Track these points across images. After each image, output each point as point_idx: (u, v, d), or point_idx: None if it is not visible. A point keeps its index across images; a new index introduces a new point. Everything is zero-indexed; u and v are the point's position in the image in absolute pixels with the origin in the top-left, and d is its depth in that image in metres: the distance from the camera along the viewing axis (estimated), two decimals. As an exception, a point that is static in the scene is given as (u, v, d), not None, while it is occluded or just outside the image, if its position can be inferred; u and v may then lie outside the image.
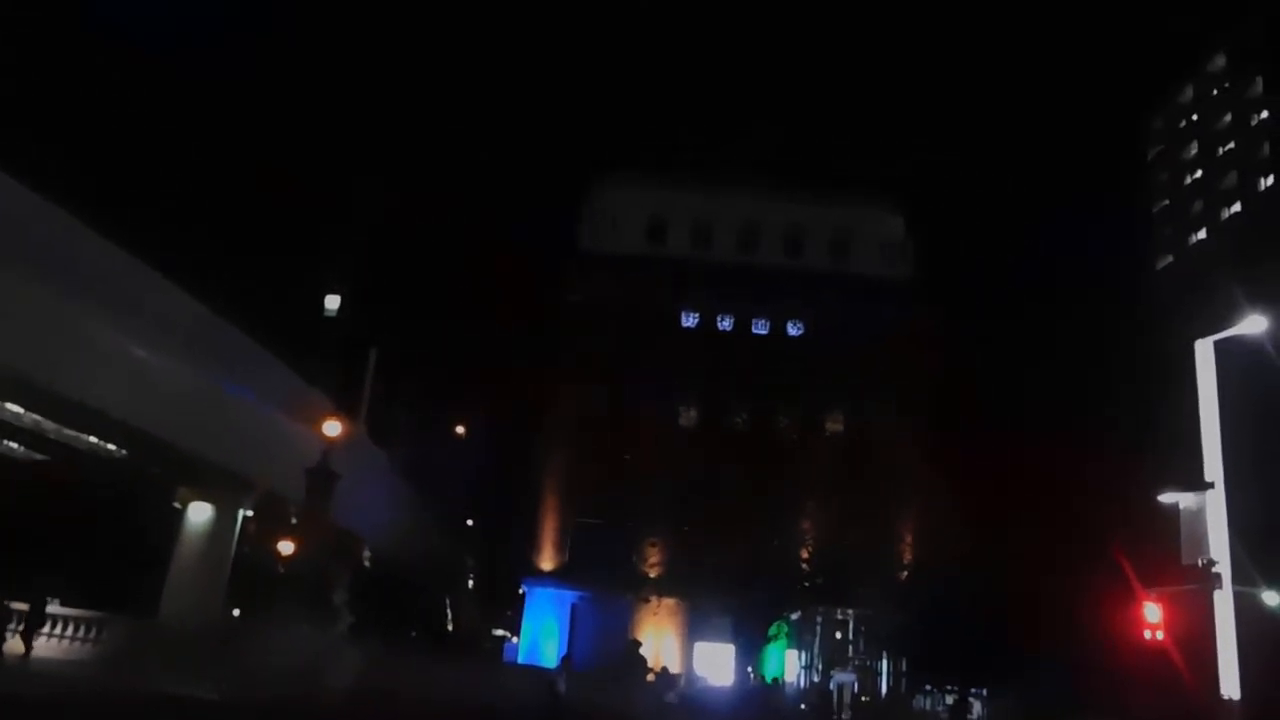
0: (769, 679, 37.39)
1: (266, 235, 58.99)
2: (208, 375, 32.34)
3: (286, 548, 34.61)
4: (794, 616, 47.90)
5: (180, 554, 36.61)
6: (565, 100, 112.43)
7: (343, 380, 45.69)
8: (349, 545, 42.84)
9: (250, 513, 38.47)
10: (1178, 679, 28.58)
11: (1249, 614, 24.25)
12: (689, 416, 56.22)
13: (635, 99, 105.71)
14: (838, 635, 51.91)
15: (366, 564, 46.93)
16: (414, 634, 43.28)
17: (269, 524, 38.41)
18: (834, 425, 56.35)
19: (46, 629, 28.05)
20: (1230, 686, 22.68)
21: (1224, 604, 23.46)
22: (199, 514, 37.03)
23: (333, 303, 60.01)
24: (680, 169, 59.40)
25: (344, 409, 36.03)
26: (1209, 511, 24.53)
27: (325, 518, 31.30)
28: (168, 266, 30.87)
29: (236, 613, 38.11)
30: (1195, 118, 68.26)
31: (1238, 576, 24.00)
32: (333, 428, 30.56)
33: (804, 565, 49.05)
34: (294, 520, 35.74)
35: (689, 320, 57.94)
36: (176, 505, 37.53)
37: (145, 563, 37.01)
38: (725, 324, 58.21)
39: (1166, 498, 26.65)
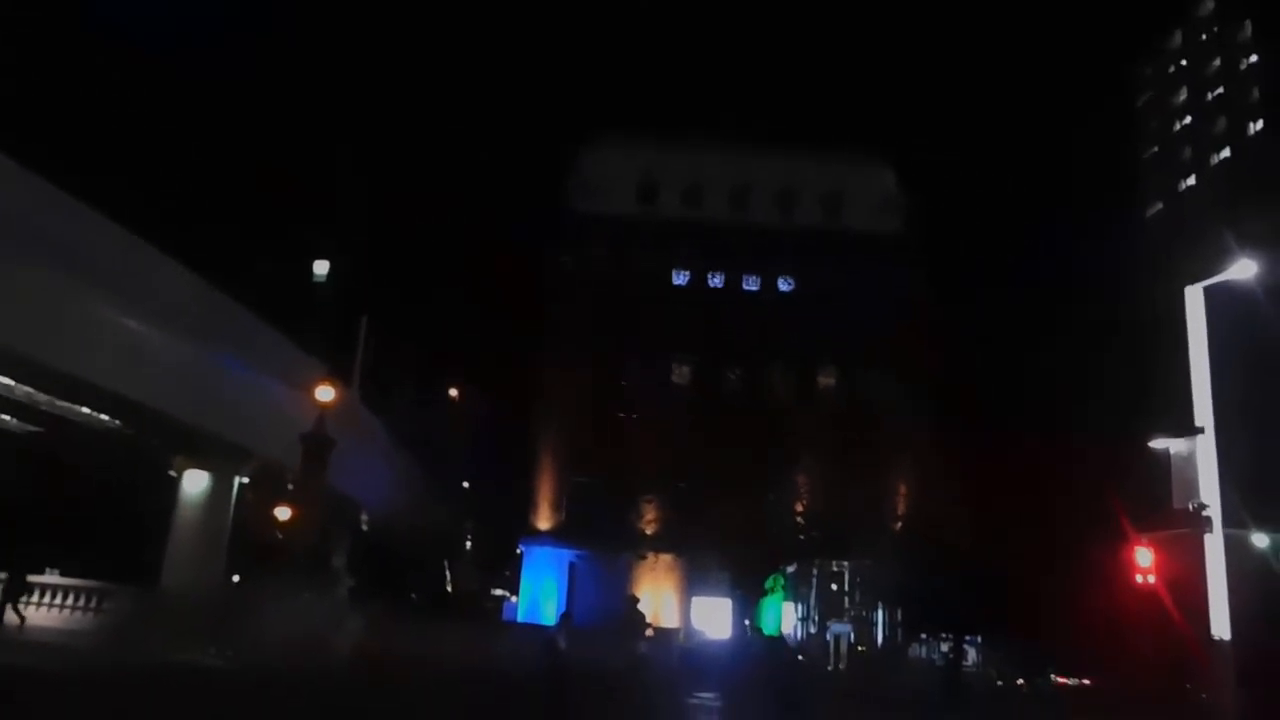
0: (766, 633, 37.74)
1: (258, 204, 58.63)
2: (200, 344, 32.34)
3: (283, 514, 34.75)
4: (790, 570, 48.40)
5: (178, 523, 36.81)
6: (554, 63, 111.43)
7: (336, 347, 45.65)
8: (346, 510, 43.04)
9: (246, 480, 38.60)
10: (1169, 621, 29.00)
11: (1238, 556, 24.53)
12: (683, 374, 56.37)
13: (624, 60, 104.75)
14: (834, 587, 52.53)
15: (364, 529, 47.19)
16: (413, 596, 43.59)
17: (266, 491, 38.52)
18: (828, 380, 56.61)
19: (45, 599, 28.26)
20: (1220, 626, 22.95)
21: (1214, 546, 23.67)
22: (195, 483, 37.18)
23: (325, 270, 59.79)
24: (670, 129, 59.04)
25: (338, 375, 36.00)
26: (1199, 456, 24.74)
27: (321, 483, 31.40)
28: (159, 238, 30.77)
29: (236, 579, 38.34)
30: (1184, 63, 67.85)
31: (1227, 519, 24.23)
32: (326, 393, 30.58)
33: (800, 519, 49.52)
34: (290, 487, 35.87)
35: (681, 279, 57.88)
36: (172, 474, 37.66)
37: (143, 532, 37.21)
38: (717, 281, 58.14)
39: (1158, 444, 26.87)
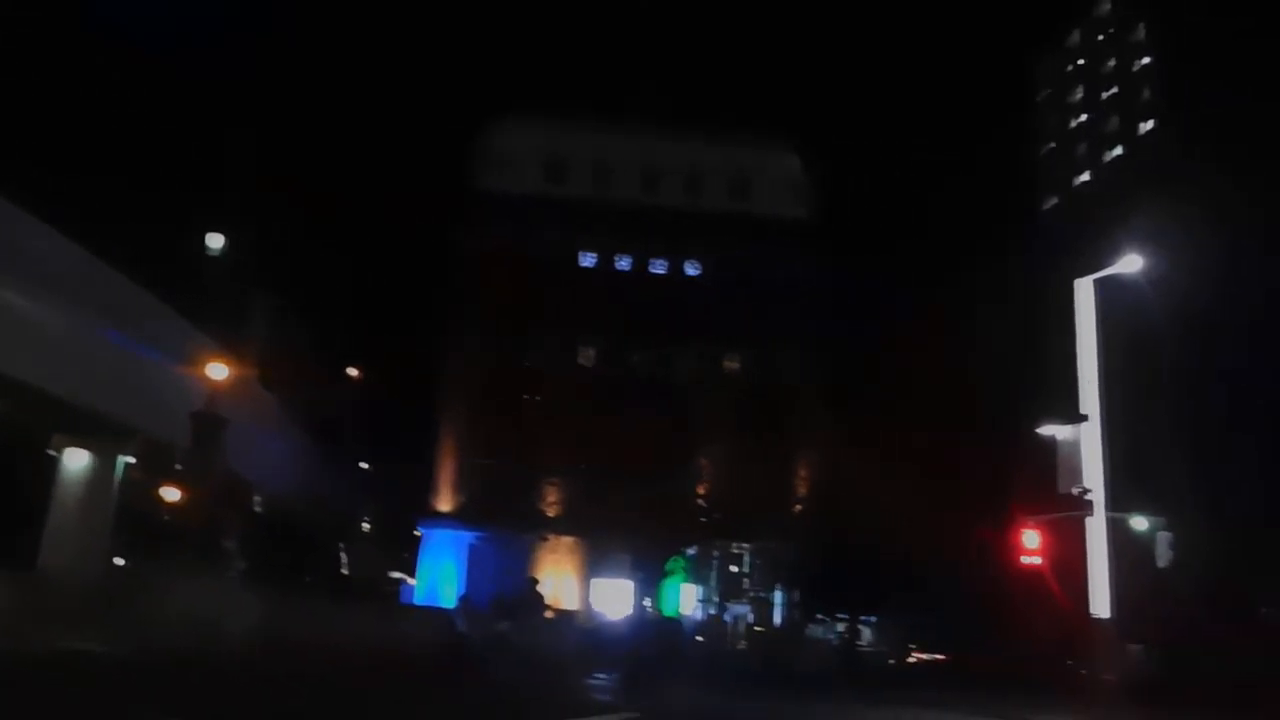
0: (666, 614, 38.16)
1: (148, 172, 56.34)
2: (83, 319, 30.96)
3: (171, 495, 33.77)
4: (691, 552, 48.85)
5: (57, 504, 35.23)
6: (461, 38, 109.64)
7: (231, 323, 44.25)
8: (238, 491, 41.85)
9: (132, 460, 37.21)
10: (1054, 601, 30.11)
11: (1119, 538, 25.51)
12: (588, 357, 56.27)
13: (532, 37, 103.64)
14: (734, 569, 53.23)
15: (258, 510, 45.97)
16: (309, 579, 42.70)
17: (153, 471, 37.23)
18: (732, 365, 57.15)
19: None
20: (1101, 606, 23.87)
21: (1096, 529, 24.55)
22: (75, 461, 35.64)
23: (219, 243, 57.80)
24: (578, 109, 58.61)
25: (232, 353, 34.94)
26: (1084, 442, 25.52)
27: (212, 464, 30.58)
28: (40, 207, 29.35)
29: (120, 563, 36.98)
30: (1081, 62, 69.96)
31: (1109, 503, 25.14)
32: (219, 371, 29.78)
33: (701, 502, 49.99)
34: (179, 467, 34.81)
35: (587, 261, 57.69)
36: (51, 453, 36.05)
37: (19, 515, 35.50)
38: (624, 264, 58.13)
39: (1045, 430, 27.67)
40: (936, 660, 48.84)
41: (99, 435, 35.07)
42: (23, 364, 29.01)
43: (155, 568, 29.22)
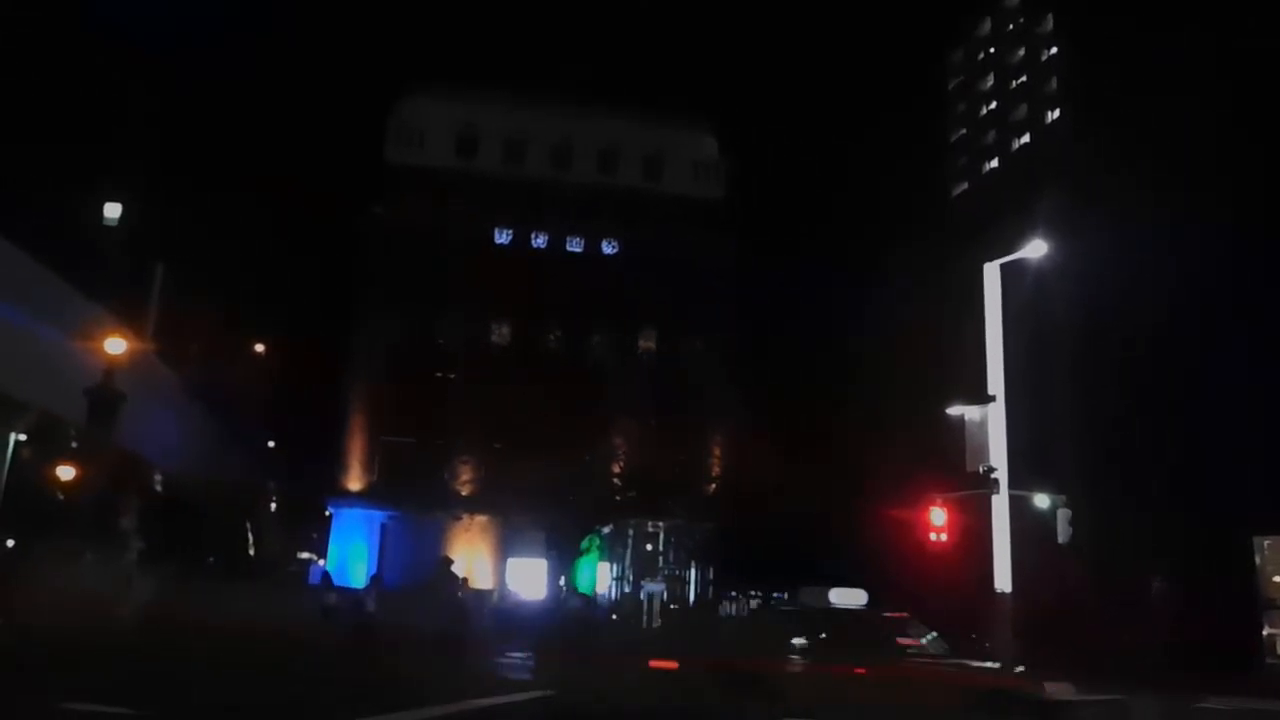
0: (580, 592, 38.34)
1: (41, 138, 53.81)
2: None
3: (66, 473, 32.68)
4: (606, 530, 48.91)
5: (-59, 482, 33.67)
6: (375, 8, 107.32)
7: (129, 296, 42.70)
8: (137, 469, 40.58)
9: (24, 437, 35.76)
10: (960, 576, 30.84)
11: (1020, 515, 26.13)
12: (503, 334, 55.78)
13: (447, 9, 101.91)
14: (648, 547, 53.43)
15: (158, 489, 44.64)
16: (212, 560, 41.65)
17: (46, 448, 35.89)
18: (648, 344, 57.21)
19: None
20: (1003, 581, 24.47)
21: (1000, 507, 25.12)
22: (-38, 438, 34.09)
23: (116, 212, 55.67)
24: (492, 83, 57.83)
25: (130, 327, 33.75)
26: (990, 423, 25.99)
27: (109, 441, 29.59)
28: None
29: (10, 543, 35.58)
30: (992, 51, 71.33)
31: (1013, 482, 25.71)
32: (116, 345, 28.74)
33: (616, 480, 50.04)
34: (74, 445, 33.68)
35: (501, 238, 57.07)
36: (-66, 430, 34.39)
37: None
38: (539, 242, 57.64)
39: (954, 411, 28.17)
40: None
41: (-12, 411, 33.60)
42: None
43: (48, 548, 28.13)
